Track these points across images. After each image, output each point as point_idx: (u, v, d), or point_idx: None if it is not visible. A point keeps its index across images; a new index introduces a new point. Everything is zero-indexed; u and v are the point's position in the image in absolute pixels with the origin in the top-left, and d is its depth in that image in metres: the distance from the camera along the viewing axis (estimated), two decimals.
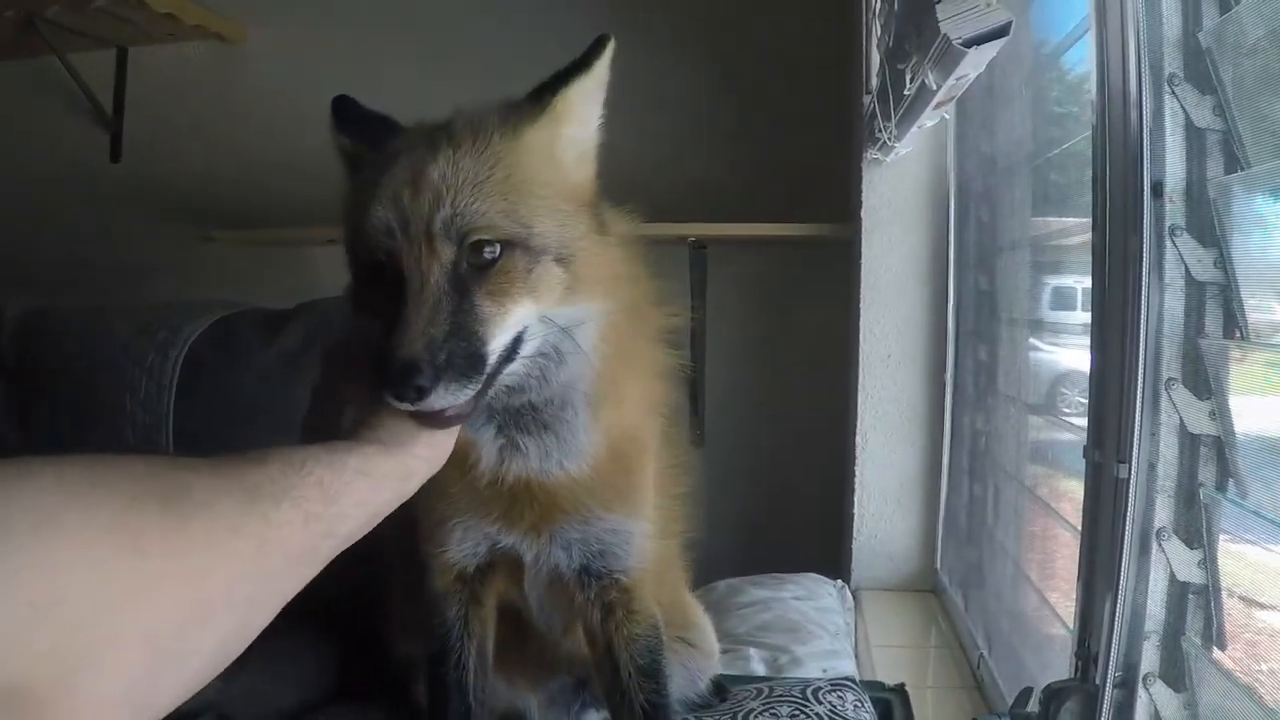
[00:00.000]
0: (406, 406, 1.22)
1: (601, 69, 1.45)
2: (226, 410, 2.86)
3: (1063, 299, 2.59)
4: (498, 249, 1.30)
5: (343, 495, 1.10)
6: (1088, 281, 1.87)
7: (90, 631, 0.78)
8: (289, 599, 1.06)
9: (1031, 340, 2.65)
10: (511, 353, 1.33)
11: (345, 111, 1.53)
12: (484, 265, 1.29)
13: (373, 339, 1.27)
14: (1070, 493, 2.32)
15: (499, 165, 1.34)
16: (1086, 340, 1.85)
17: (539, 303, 1.34)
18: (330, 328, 2.88)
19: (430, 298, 1.26)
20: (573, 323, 1.39)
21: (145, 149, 4.73)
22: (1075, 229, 2.34)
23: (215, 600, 0.92)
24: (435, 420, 1.27)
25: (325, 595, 2.18)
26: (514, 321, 1.31)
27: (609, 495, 1.58)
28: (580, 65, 1.44)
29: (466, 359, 1.25)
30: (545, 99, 1.42)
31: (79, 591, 0.78)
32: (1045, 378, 2.65)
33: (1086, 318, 2.17)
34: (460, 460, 1.49)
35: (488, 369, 1.28)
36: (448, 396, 1.22)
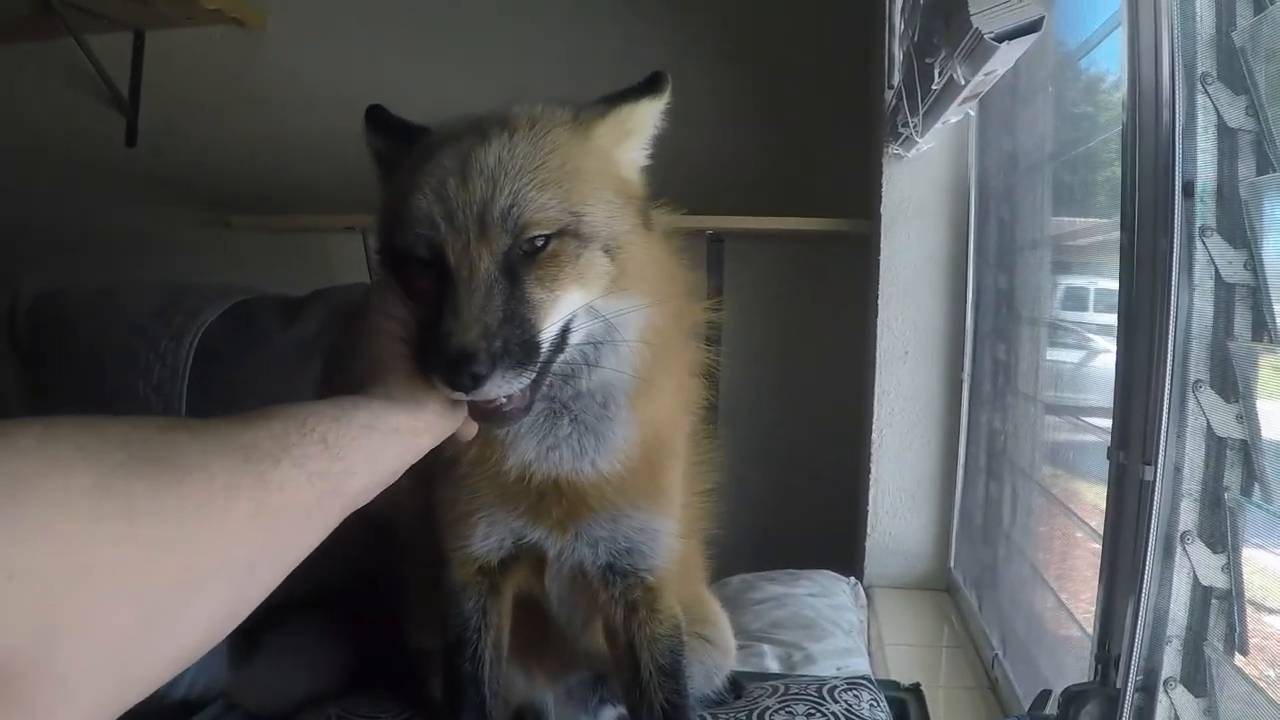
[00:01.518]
0: (461, 396, 1.21)
1: (667, 98, 1.49)
2: (240, 396, 2.84)
3: (1079, 299, 2.58)
4: (547, 249, 1.30)
5: (349, 451, 1.06)
6: (1101, 282, 1.85)
7: (69, 600, 0.75)
8: (295, 563, 1.02)
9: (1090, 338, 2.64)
10: (561, 343, 1.33)
11: (378, 120, 1.53)
12: (534, 251, 1.29)
13: (415, 325, 1.27)
14: (1082, 494, 2.31)
15: (556, 152, 1.34)
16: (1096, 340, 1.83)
17: (587, 291, 1.34)
18: (344, 316, 2.88)
19: (481, 284, 1.25)
20: (616, 316, 1.39)
21: (161, 133, 4.70)
22: (1097, 229, 2.33)
23: (209, 565, 0.88)
24: (495, 416, 1.27)
25: (338, 585, 2.18)
26: (564, 308, 1.31)
27: (638, 494, 1.57)
28: (652, 88, 1.48)
29: (521, 346, 1.24)
30: (619, 105, 1.45)
31: (58, 560, 0.75)
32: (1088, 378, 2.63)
33: (1099, 318, 2.16)
34: (488, 455, 1.49)
35: (541, 357, 1.28)
36: (504, 385, 1.22)
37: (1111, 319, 1.83)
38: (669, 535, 1.63)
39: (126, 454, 0.84)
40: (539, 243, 1.29)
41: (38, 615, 0.74)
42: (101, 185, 4.70)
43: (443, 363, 1.19)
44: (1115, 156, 1.81)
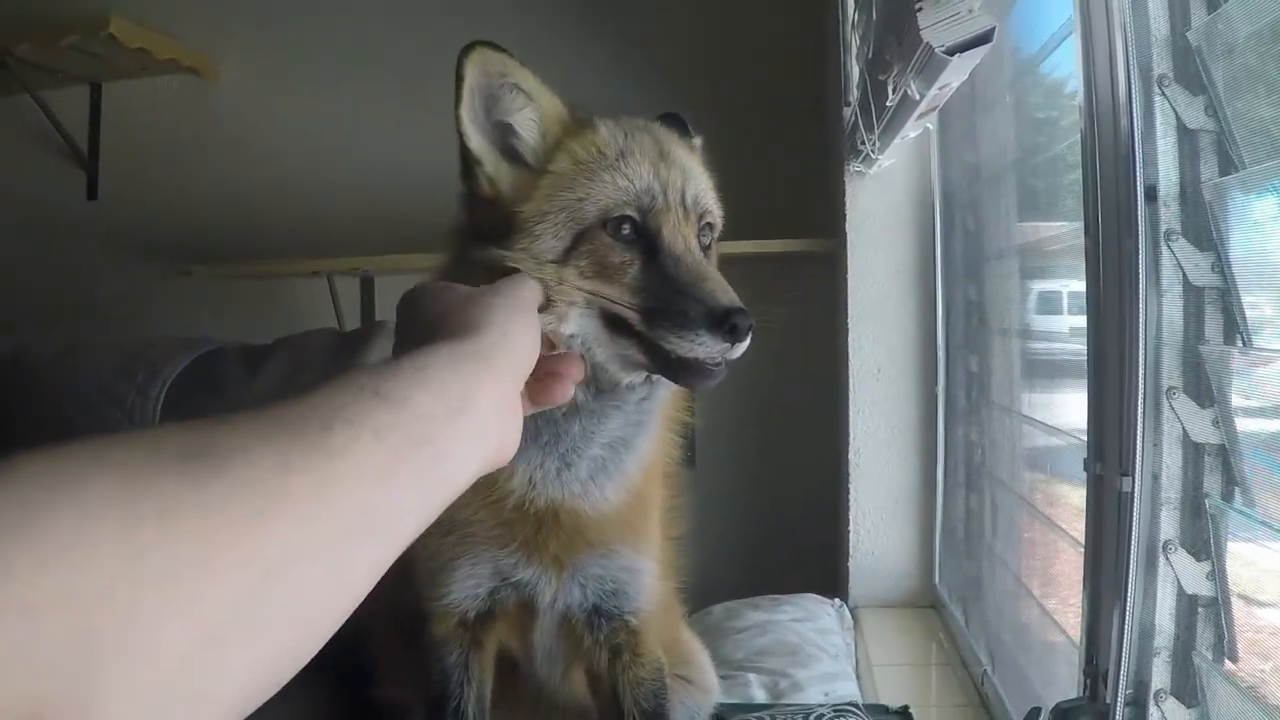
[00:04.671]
0: (724, 347, 1.29)
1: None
2: None
3: (1053, 304, 2.57)
4: (709, 238, 1.47)
5: (410, 393, 0.92)
6: (1073, 285, 1.83)
7: (109, 625, 0.65)
8: (404, 534, 0.89)
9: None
10: None
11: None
12: (703, 248, 1.44)
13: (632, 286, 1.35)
14: (1066, 497, 2.29)
15: (699, 161, 1.55)
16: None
17: None
18: (311, 362, 2.85)
19: (700, 258, 1.38)
20: None
21: (122, 185, 4.69)
22: (1065, 234, 2.31)
23: (276, 556, 0.75)
24: (716, 374, 1.35)
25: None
26: None
27: (628, 529, 1.58)
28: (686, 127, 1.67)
29: None
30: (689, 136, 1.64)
31: (89, 580, 0.65)
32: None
33: (1073, 320, 2.14)
34: (485, 482, 1.40)
35: None
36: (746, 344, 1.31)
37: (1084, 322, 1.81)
38: (651, 576, 1.64)
39: (152, 453, 0.74)
40: (705, 240, 1.45)
41: (71, 650, 0.64)
42: (64, 240, 4.70)
43: (714, 317, 1.28)
44: (1080, 161, 1.80)
